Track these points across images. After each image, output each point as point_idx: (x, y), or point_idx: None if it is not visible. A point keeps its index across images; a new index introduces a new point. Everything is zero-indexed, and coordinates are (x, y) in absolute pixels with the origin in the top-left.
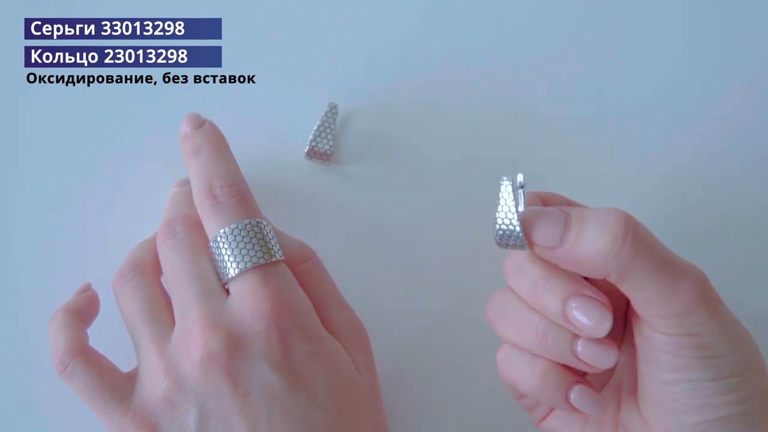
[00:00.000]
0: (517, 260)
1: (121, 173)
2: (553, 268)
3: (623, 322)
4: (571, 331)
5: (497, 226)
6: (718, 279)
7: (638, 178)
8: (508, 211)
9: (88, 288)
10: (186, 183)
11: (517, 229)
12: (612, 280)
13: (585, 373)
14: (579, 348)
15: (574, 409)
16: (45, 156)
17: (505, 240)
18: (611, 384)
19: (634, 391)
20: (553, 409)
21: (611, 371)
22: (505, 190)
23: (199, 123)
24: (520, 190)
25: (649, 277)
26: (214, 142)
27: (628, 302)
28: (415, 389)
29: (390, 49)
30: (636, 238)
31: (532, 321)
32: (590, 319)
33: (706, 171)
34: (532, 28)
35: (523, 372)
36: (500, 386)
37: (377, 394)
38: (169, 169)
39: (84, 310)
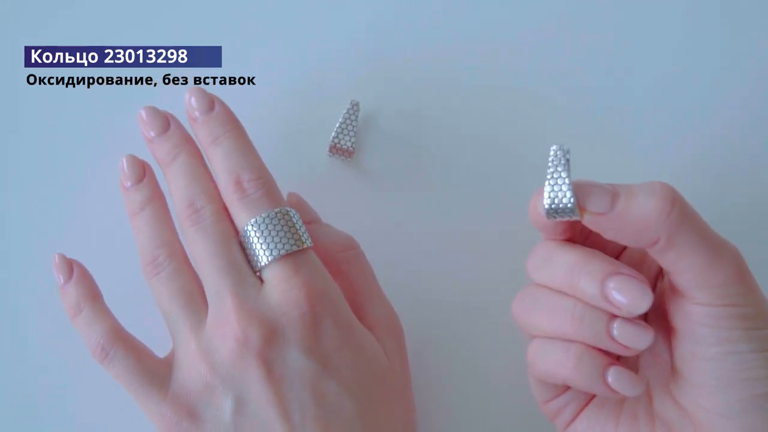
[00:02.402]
0: (544, 253)
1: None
2: (587, 252)
3: (644, 316)
4: (607, 312)
5: (547, 194)
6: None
7: (656, 170)
8: (558, 177)
9: (71, 264)
10: (163, 121)
11: (568, 194)
12: (658, 248)
13: (619, 358)
14: (615, 330)
15: (612, 391)
16: (45, 157)
17: (555, 207)
18: None
19: (664, 383)
20: (579, 413)
21: (637, 365)
22: (555, 156)
23: (209, 104)
24: (567, 160)
25: (694, 244)
26: (232, 128)
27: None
28: (439, 384)
29: (411, 46)
30: (682, 205)
31: (566, 306)
32: (629, 296)
33: (725, 163)
34: (553, 26)
35: (557, 358)
36: (527, 387)
37: (408, 386)
38: None
39: (95, 289)
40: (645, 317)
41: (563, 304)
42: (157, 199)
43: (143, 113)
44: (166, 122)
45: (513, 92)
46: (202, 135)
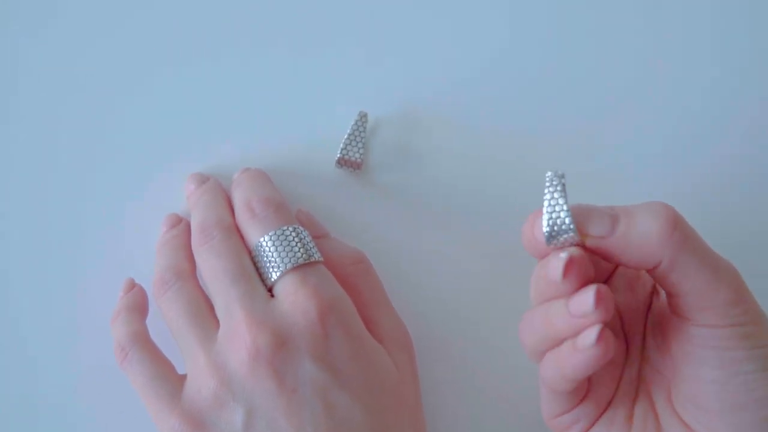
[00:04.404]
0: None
1: (131, 174)
2: None
3: (623, 338)
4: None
5: (546, 221)
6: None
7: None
8: (556, 204)
9: (133, 284)
10: (203, 179)
11: (567, 220)
12: (659, 270)
13: None
14: (570, 306)
15: (589, 350)
16: (44, 155)
17: (555, 233)
18: (641, 400)
19: (669, 402)
20: (588, 430)
21: (615, 384)
22: (551, 183)
23: (245, 169)
24: (563, 185)
25: (696, 265)
26: (255, 174)
27: (620, 318)
28: (449, 397)
29: (419, 59)
30: (683, 226)
31: (539, 312)
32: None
33: (724, 182)
34: (560, 45)
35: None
36: (535, 400)
37: (418, 398)
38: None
39: (141, 305)
40: (643, 339)
41: (538, 312)
42: (182, 236)
43: (189, 177)
44: (204, 178)
45: (524, 106)
46: (232, 185)
